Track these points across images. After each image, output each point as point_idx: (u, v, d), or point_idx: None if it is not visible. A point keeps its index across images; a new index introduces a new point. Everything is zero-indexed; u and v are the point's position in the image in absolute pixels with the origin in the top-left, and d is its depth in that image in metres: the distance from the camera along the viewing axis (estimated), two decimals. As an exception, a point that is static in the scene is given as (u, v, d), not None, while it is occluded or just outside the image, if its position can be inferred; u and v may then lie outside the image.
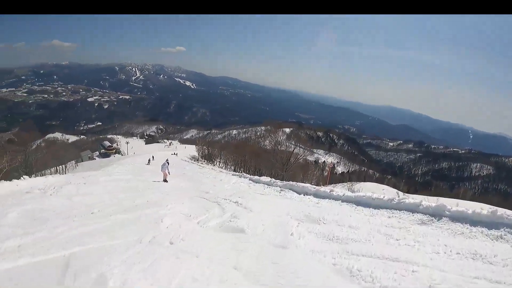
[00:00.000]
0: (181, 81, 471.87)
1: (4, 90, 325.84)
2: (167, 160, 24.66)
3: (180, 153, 78.68)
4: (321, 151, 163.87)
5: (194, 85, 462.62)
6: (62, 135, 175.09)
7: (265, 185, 17.28)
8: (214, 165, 57.41)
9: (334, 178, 69.42)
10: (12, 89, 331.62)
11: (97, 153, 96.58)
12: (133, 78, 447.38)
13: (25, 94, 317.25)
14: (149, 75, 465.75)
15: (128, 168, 33.60)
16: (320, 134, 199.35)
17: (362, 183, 54.04)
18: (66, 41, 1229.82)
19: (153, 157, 56.40)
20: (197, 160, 61.17)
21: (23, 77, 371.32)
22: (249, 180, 20.64)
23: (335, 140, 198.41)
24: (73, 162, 75.48)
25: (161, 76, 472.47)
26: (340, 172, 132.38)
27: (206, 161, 62.13)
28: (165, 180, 21.62)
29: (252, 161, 53.07)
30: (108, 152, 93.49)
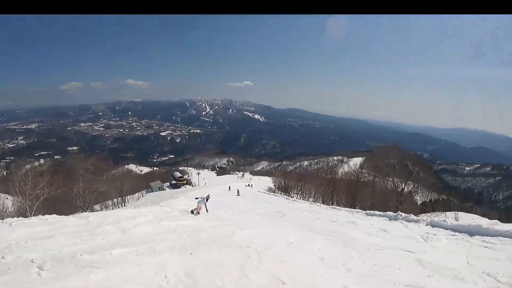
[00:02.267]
0: (250, 114, 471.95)
1: (83, 124, 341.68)
2: (207, 196, 19.54)
3: (254, 184, 75.41)
4: (396, 180, 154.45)
5: (262, 118, 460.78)
6: (136, 166, 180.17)
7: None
8: (291, 196, 51.39)
9: (416, 208, 65.12)
10: (90, 123, 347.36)
11: (168, 184, 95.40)
12: (203, 113, 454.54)
13: (102, 129, 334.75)
14: (218, 109, 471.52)
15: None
16: (394, 162, 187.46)
17: (448, 212, 48.01)
18: (140, 80, 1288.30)
19: (229, 187, 54.51)
20: (274, 192, 57.03)
21: (100, 113, 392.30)
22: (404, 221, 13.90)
23: (410, 167, 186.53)
24: (144, 192, 76.52)
25: (230, 110, 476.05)
26: (421, 201, 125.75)
27: (282, 192, 57.85)
28: (197, 213, 17.62)
29: (342, 192, 48.31)
30: (179, 183, 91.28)
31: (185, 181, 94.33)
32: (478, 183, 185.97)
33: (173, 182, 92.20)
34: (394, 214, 15.49)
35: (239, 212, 21.29)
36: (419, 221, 12.92)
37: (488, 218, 43.75)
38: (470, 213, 57.81)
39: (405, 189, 33.59)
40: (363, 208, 34.02)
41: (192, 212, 17.51)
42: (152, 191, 76.68)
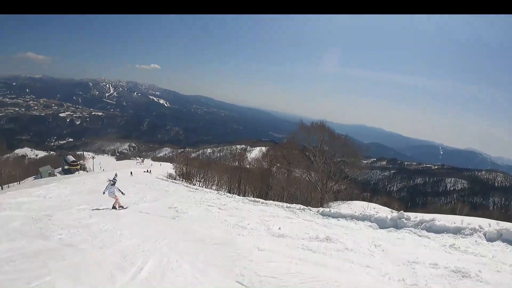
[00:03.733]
0: (155, 99, 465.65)
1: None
2: (114, 177, 16.07)
3: (154, 170, 70.49)
4: (298, 171, 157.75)
5: (168, 103, 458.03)
6: (31, 150, 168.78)
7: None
8: (193, 184, 47.91)
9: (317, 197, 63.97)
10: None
11: (60, 169, 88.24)
12: (107, 94, 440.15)
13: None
14: (123, 92, 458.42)
15: (71, 188, 23.52)
16: (296, 152, 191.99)
17: (352, 201, 48.87)
18: (40, 54, 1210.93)
19: (131, 172, 52.48)
20: (175, 179, 51.73)
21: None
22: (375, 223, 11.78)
23: (311, 158, 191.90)
24: (32, 178, 69.72)
25: (135, 94, 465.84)
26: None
27: (183, 180, 53.80)
28: (119, 207, 15.12)
29: (252, 181, 45.06)
30: (72, 168, 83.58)
31: (78, 166, 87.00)
32: (374, 175, 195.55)
33: (66, 167, 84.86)
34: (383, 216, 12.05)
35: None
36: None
37: (389, 207, 44.74)
38: (372, 202, 59.99)
39: (329, 182, 33.21)
40: (279, 198, 32.32)
41: (115, 207, 14.93)
42: (42, 177, 69.12)
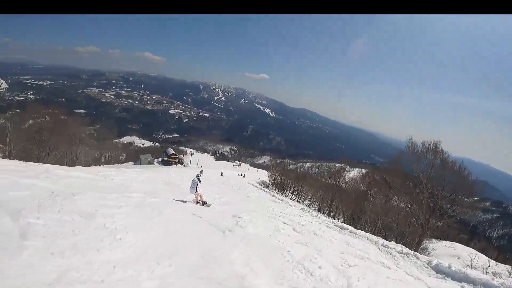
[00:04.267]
0: (261, 107, 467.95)
1: (94, 89, 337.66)
2: (198, 174, 15.57)
3: (249, 175, 68.44)
4: (397, 198, 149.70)
5: (273, 113, 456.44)
6: (138, 139, 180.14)
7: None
8: (285, 195, 45.67)
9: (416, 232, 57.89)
10: (102, 90, 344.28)
11: (159, 159, 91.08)
12: (215, 98, 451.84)
13: (113, 97, 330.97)
14: (231, 97, 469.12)
15: (147, 176, 23.24)
16: (398, 177, 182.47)
17: (453, 243, 41.44)
18: (157, 55, 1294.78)
19: (221, 173, 52.33)
20: (267, 187, 49.31)
21: (113, 81, 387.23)
22: None
23: (415, 186, 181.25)
24: (132, 163, 73.04)
25: (242, 100, 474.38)
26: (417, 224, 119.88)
27: (276, 189, 51.73)
28: (203, 203, 15.06)
29: (344, 202, 39.84)
30: (170, 160, 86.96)
31: (177, 160, 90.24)
32: (475, 216, 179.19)
33: (165, 158, 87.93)
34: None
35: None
36: None
37: (486, 255, 38.73)
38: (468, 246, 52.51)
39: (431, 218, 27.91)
40: (372, 226, 28.60)
41: (202, 203, 15.04)
42: (141, 163, 73.62)
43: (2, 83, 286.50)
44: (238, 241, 9.79)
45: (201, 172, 16.45)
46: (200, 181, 14.97)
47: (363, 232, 14.67)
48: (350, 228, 15.52)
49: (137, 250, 7.13)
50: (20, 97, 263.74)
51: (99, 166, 53.57)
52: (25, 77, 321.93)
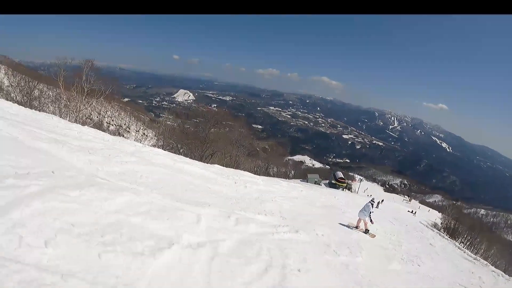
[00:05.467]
0: (438, 141, 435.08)
1: (272, 108, 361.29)
2: (371, 201, 14.50)
3: (420, 214, 62.35)
4: None
5: (450, 148, 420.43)
6: (310, 159, 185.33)
7: None
8: (467, 247, 39.20)
9: None
10: (279, 109, 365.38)
11: (327, 181, 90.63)
12: (390, 127, 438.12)
13: (289, 116, 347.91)
14: (406, 127, 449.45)
15: (306, 195, 21.03)
16: None
17: None
18: (334, 80, 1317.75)
19: (378, 203, 47.76)
20: (439, 230, 46.41)
21: (290, 102, 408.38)
22: None
23: None
24: (299, 180, 74.72)
25: (418, 131, 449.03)
26: None
27: (448, 235, 46.71)
28: (366, 230, 14.13)
29: None
30: (338, 184, 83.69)
31: (345, 184, 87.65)
32: None
33: (333, 181, 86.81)
34: None
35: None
36: None
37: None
38: None
39: None
40: None
41: (365, 231, 14.23)
42: (307, 182, 74.65)
43: (190, 95, 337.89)
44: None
45: (373, 199, 15.41)
46: (373, 206, 14.19)
47: None
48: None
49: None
50: (204, 108, 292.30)
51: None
52: (210, 92, 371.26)
